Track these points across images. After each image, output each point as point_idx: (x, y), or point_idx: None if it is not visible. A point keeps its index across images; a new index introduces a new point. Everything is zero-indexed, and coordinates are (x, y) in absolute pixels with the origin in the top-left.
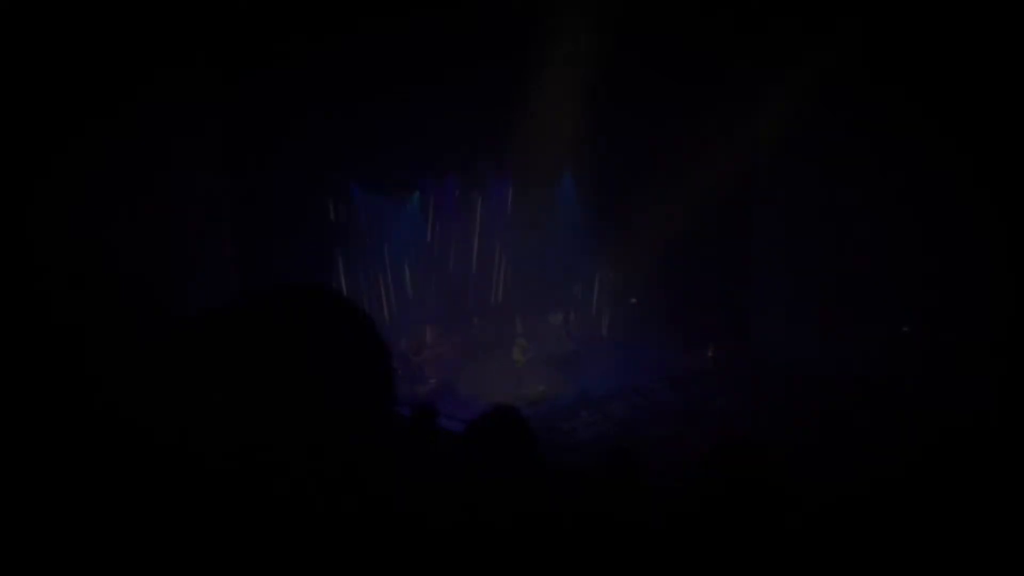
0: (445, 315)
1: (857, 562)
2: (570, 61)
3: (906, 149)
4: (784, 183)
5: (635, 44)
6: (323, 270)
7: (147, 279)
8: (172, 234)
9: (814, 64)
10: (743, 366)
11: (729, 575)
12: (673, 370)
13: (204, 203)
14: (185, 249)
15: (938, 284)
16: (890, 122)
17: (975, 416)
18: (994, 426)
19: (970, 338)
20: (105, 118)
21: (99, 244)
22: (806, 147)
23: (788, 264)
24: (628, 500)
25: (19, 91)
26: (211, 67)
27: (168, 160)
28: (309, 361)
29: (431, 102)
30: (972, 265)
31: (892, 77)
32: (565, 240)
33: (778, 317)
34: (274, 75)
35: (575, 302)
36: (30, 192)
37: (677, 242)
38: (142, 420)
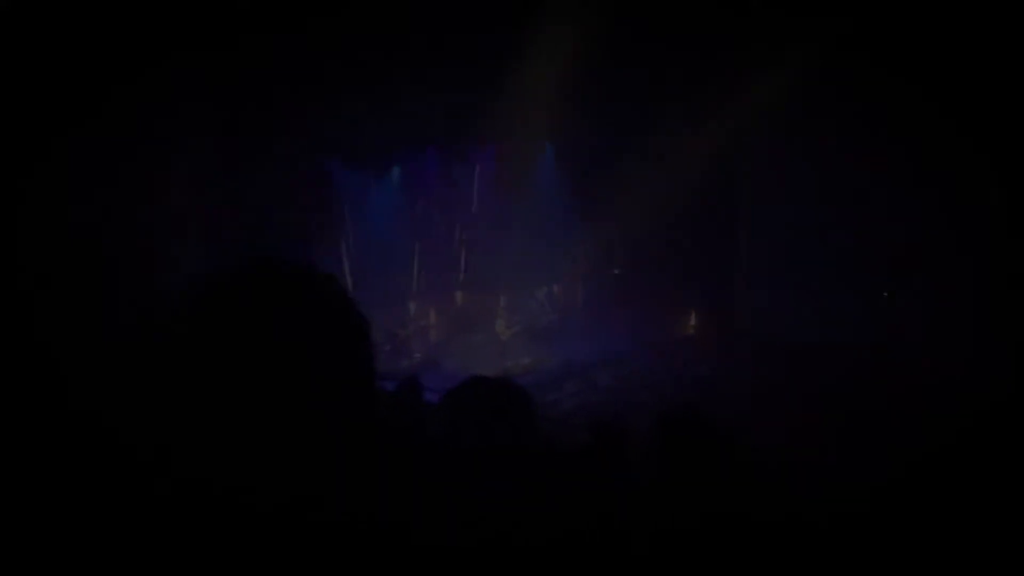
0: (429, 289)
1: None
2: (555, 31)
3: (893, 127)
4: (770, 155)
5: (624, 16)
6: (303, 246)
7: (128, 266)
8: (153, 213)
9: (807, 44)
10: (726, 334)
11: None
12: (657, 339)
13: (184, 180)
14: (162, 255)
15: (921, 254)
16: (879, 101)
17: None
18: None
19: (952, 308)
20: (87, 111)
21: (84, 237)
22: (794, 121)
23: (772, 234)
24: (612, 471)
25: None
26: (191, 44)
27: (145, 136)
28: (285, 340)
29: (411, 72)
30: (955, 239)
31: (881, 59)
32: (548, 211)
33: (762, 285)
34: (251, 50)
35: (559, 274)
36: (16, 186)
37: (661, 212)
38: (115, 414)
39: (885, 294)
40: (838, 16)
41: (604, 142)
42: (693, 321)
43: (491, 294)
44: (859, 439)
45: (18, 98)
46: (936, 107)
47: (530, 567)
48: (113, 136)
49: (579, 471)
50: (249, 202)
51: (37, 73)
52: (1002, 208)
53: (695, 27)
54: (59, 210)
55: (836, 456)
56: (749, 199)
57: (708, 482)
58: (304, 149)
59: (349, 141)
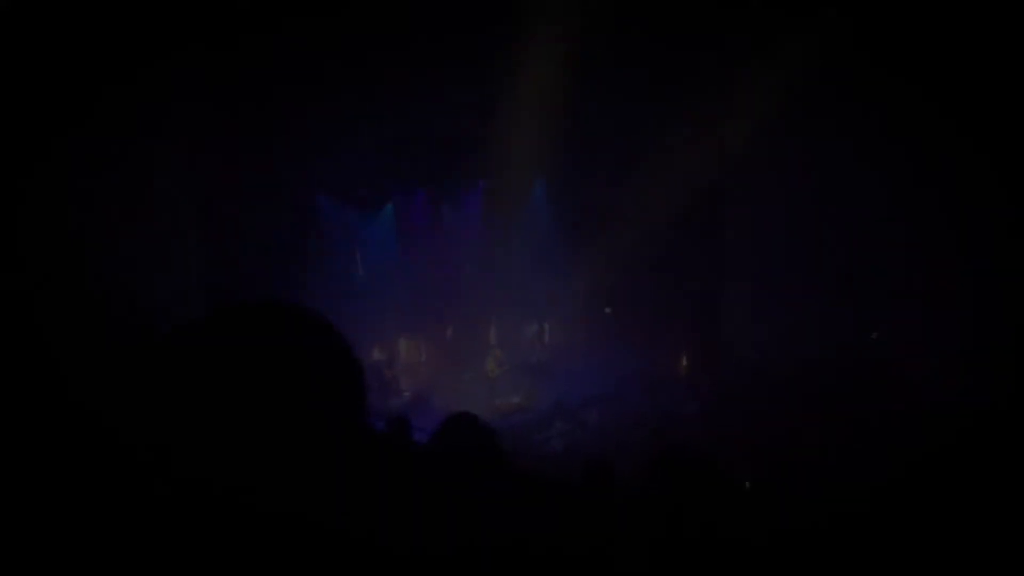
0: (419, 326)
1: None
2: (541, 66)
3: (877, 153)
4: (754, 188)
5: (608, 49)
6: (295, 281)
7: (124, 285)
8: (145, 241)
9: (784, 69)
10: (715, 371)
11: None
12: (647, 377)
13: (174, 214)
14: (157, 257)
15: (909, 290)
16: (862, 125)
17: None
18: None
19: (938, 344)
20: (81, 123)
21: (81, 248)
22: (778, 150)
23: (760, 270)
24: (602, 510)
25: None
26: (185, 73)
27: (139, 168)
28: (280, 380)
29: (401, 110)
30: (944, 272)
31: (865, 78)
32: (538, 249)
33: (750, 322)
34: (245, 81)
35: (549, 311)
36: (15, 186)
37: (651, 250)
38: (113, 432)
39: (874, 335)
40: (834, 17)
41: (594, 178)
42: (685, 360)
43: (482, 331)
44: (855, 453)
45: (17, 99)
46: (936, 107)
47: None
48: (111, 137)
49: (571, 505)
50: (238, 231)
51: (36, 74)
52: (1002, 209)
53: (680, 56)
54: (58, 212)
55: (831, 473)
56: (737, 235)
57: (699, 519)
58: (298, 182)
59: (338, 176)
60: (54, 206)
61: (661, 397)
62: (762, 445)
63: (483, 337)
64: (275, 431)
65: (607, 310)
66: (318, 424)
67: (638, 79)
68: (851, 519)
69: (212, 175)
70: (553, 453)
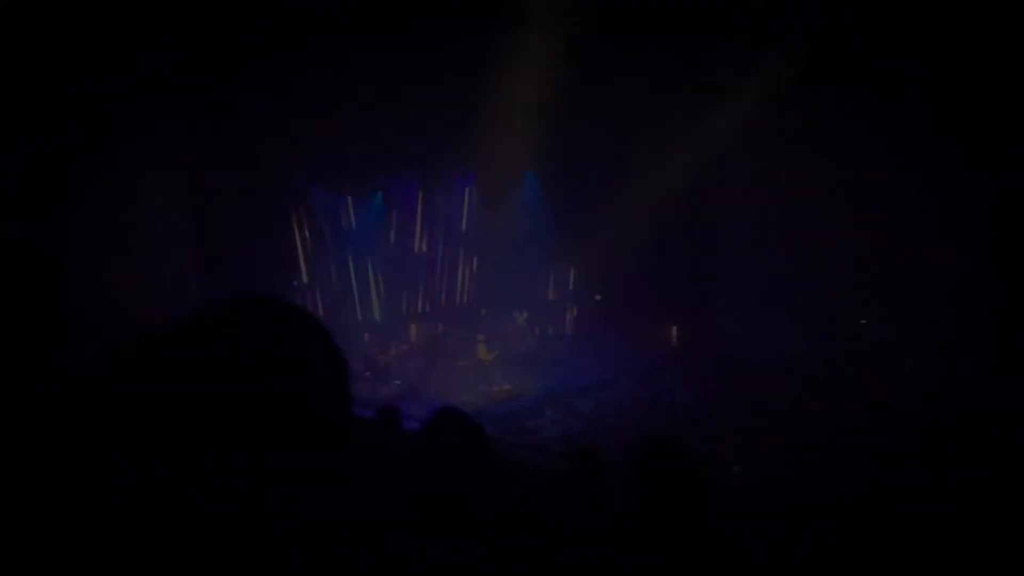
0: (409, 315)
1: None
2: (533, 58)
3: (866, 146)
4: (747, 179)
5: (601, 41)
6: (284, 273)
7: (109, 285)
8: (132, 238)
9: (776, 67)
10: (707, 359)
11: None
12: (638, 365)
13: (164, 206)
14: (146, 255)
15: (897, 280)
16: (853, 119)
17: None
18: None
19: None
20: (64, 122)
21: (60, 251)
22: (770, 141)
23: (751, 258)
24: (592, 499)
25: None
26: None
27: (127, 163)
28: (264, 374)
29: (392, 99)
30: (929, 263)
31: (855, 75)
32: (529, 238)
33: (741, 310)
34: (232, 67)
35: (540, 299)
36: None
37: (641, 238)
38: (96, 437)
39: (863, 321)
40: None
41: (585, 167)
42: (675, 346)
43: (472, 320)
44: (842, 457)
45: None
46: (937, 103)
47: None
48: (76, 143)
49: (560, 496)
50: (228, 223)
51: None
52: (1000, 209)
53: (674, 46)
54: (24, 220)
55: (817, 476)
56: (729, 224)
57: (684, 511)
58: (283, 169)
59: (328, 164)
60: (40, 217)
61: (653, 385)
62: (754, 434)
63: (474, 325)
64: (258, 425)
65: (597, 297)
66: (301, 416)
67: (634, 70)
68: (839, 515)
69: (199, 167)
70: (544, 441)
